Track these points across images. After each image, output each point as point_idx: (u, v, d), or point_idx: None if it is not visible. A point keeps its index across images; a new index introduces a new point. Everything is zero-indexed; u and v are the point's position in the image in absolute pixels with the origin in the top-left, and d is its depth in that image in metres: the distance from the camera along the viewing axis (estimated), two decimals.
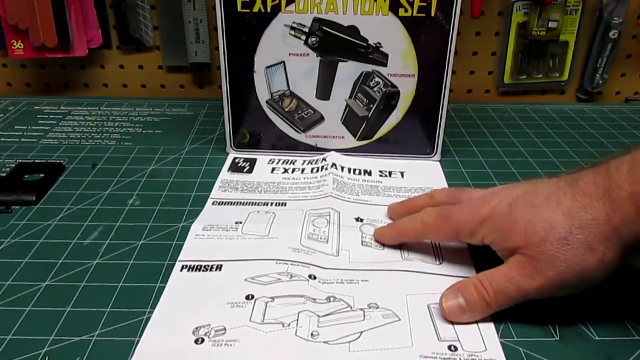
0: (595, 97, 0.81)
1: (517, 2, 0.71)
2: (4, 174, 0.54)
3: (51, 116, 0.69)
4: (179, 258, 0.42)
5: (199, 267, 0.41)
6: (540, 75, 0.77)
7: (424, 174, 0.56)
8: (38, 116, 0.69)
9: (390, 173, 0.56)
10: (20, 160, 0.57)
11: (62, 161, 0.57)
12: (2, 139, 0.62)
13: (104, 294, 0.38)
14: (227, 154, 0.59)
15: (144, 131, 0.65)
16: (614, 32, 0.73)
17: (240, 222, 0.46)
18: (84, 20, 0.71)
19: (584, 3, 0.72)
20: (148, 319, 0.36)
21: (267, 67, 0.55)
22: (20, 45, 0.70)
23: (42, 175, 0.53)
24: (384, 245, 0.44)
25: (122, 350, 0.33)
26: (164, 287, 0.39)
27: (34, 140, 0.62)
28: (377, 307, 0.37)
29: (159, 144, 0.62)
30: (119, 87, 0.79)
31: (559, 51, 0.75)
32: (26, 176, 0.53)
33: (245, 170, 0.56)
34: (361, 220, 0.47)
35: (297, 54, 0.54)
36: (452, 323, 0.35)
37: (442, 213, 0.40)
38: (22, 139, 0.63)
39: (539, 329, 0.36)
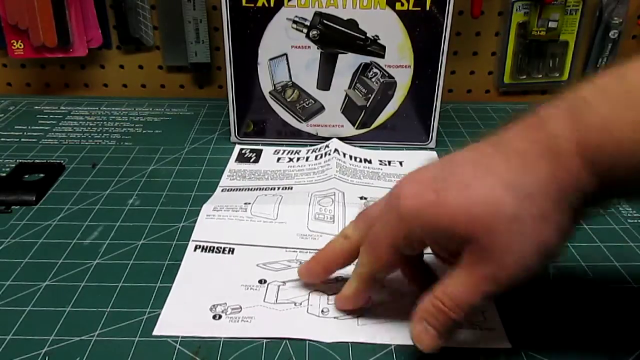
0: None
1: (517, 2, 0.71)
2: (4, 174, 0.54)
3: (51, 116, 0.69)
4: (192, 238, 0.44)
5: (211, 248, 0.43)
6: (540, 75, 0.77)
7: (421, 163, 0.57)
8: (38, 116, 0.69)
9: (389, 162, 0.58)
10: (20, 160, 0.57)
11: (62, 161, 0.57)
12: (2, 139, 0.62)
13: (104, 294, 0.38)
14: (231, 149, 0.61)
15: (144, 131, 0.65)
16: (614, 32, 0.73)
17: (249, 203, 0.48)
18: (84, 20, 0.71)
19: (584, 3, 0.72)
20: (148, 319, 0.36)
21: (271, 59, 0.57)
22: (20, 45, 0.70)
23: (42, 175, 0.53)
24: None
25: (122, 350, 0.33)
26: (164, 287, 0.39)
27: (34, 140, 0.62)
28: (383, 286, 0.38)
29: (159, 144, 0.62)
30: (119, 87, 0.79)
31: (559, 51, 0.75)
32: (26, 176, 0.53)
33: (251, 160, 0.58)
34: (365, 198, 0.50)
35: (299, 47, 0.56)
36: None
37: (368, 240, 0.33)
38: (22, 139, 0.63)
39: (539, 329, 0.36)
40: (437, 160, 0.32)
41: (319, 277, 0.38)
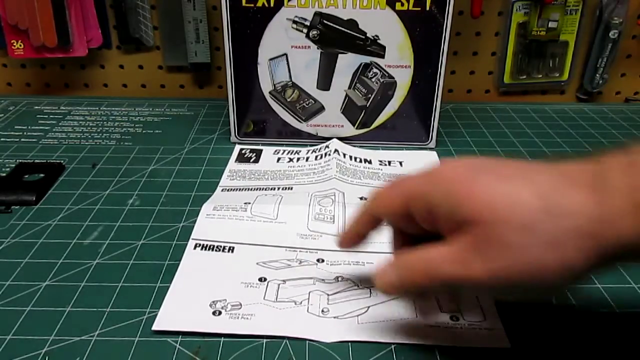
0: (595, 97, 0.81)
1: (517, 2, 0.71)
2: (4, 174, 0.54)
3: (51, 116, 0.69)
4: (192, 236, 0.44)
5: (211, 246, 0.43)
6: (540, 75, 0.77)
7: (421, 163, 0.57)
8: (38, 116, 0.69)
9: (389, 162, 0.58)
10: (20, 160, 0.57)
11: (62, 161, 0.57)
12: (2, 139, 0.62)
13: (104, 294, 0.38)
14: (231, 149, 0.61)
15: (144, 131, 0.65)
16: (614, 32, 0.73)
17: (249, 203, 0.48)
18: (84, 20, 0.71)
19: (584, 3, 0.72)
20: (148, 319, 0.36)
21: (271, 59, 0.57)
22: (20, 45, 0.70)
23: (42, 175, 0.53)
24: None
25: (122, 350, 0.33)
26: (164, 286, 0.39)
27: (34, 140, 0.62)
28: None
29: (159, 144, 0.62)
30: (119, 87, 0.79)
31: (559, 51, 0.75)
32: (26, 176, 0.53)
33: (251, 161, 0.58)
34: (365, 199, 0.49)
35: (299, 47, 0.56)
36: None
37: (392, 182, 0.33)
38: (22, 139, 0.63)
39: (539, 329, 0.36)
40: (484, 158, 0.31)
41: (352, 241, 0.36)
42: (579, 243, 0.25)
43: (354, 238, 0.36)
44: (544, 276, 0.25)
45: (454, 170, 0.29)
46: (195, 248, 0.43)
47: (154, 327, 0.35)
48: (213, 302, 0.37)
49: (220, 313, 0.36)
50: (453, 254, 0.28)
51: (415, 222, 0.31)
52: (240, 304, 0.37)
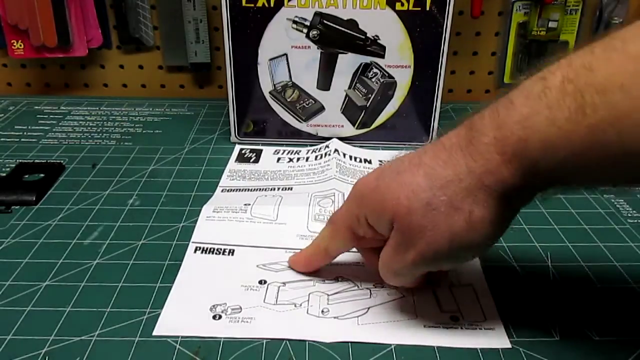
0: None
1: (517, 2, 0.71)
2: (4, 174, 0.54)
3: (51, 116, 0.69)
4: (192, 240, 0.44)
5: (211, 250, 0.43)
6: None
7: None
8: (38, 116, 0.69)
9: None
10: (20, 160, 0.57)
11: (62, 161, 0.57)
12: (2, 139, 0.62)
13: (104, 294, 0.38)
14: (231, 149, 0.61)
15: (144, 131, 0.65)
16: None
17: (249, 204, 0.48)
18: (84, 20, 0.71)
19: (584, 3, 0.72)
20: (148, 319, 0.36)
21: (271, 59, 0.57)
22: (20, 45, 0.70)
23: (42, 175, 0.53)
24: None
25: (122, 350, 0.33)
26: (164, 286, 0.39)
27: (34, 140, 0.62)
28: (383, 287, 0.39)
29: (159, 144, 0.62)
30: (119, 87, 0.79)
31: (559, 51, 0.75)
32: (26, 176, 0.53)
33: (251, 161, 0.58)
34: None
35: (299, 47, 0.56)
36: (453, 296, 0.38)
37: (329, 220, 0.38)
38: (22, 139, 0.63)
39: (539, 329, 0.36)
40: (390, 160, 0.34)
41: (304, 270, 0.41)
42: (472, 199, 0.28)
43: (308, 269, 0.40)
44: (462, 238, 0.29)
45: (365, 184, 0.33)
46: (195, 252, 0.43)
47: (155, 332, 0.35)
48: (213, 306, 0.37)
49: (220, 317, 0.36)
50: (391, 251, 0.32)
51: (363, 230, 0.34)
52: (241, 308, 0.37)
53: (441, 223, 0.29)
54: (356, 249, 0.39)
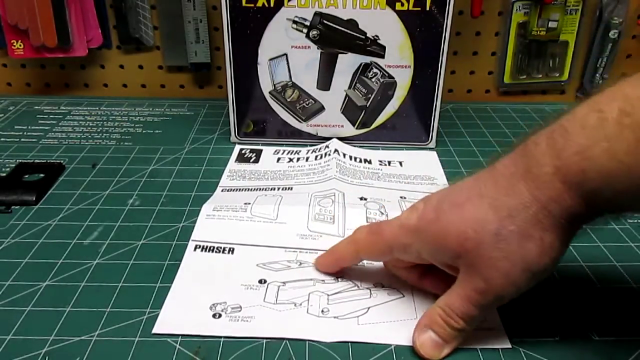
0: None
1: (517, 2, 0.71)
2: (4, 174, 0.54)
3: (51, 116, 0.69)
4: (192, 238, 0.44)
5: (211, 248, 0.43)
6: (540, 75, 0.77)
7: (421, 163, 0.58)
8: (38, 116, 0.69)
9: (389, 162, 0.58)
10: (20, 160, 0.57)
11: (62, 161, 0.57)
12: (2, 139, 0.62)
13: (104, 294, 0.38)
14: (231, 149, 0.61)
15: (144, 131, 0.65)
16: (614, 32, 0.73)
17: (249, 203, 0.48)
18: (84, 20, 0.71)
19: (584, 3, 0.72)
20: (148, 319, 0.36)
21: (271, 59, 0.57)
22: (20, 45, 0.70)
23: (42, 175, 0.53)
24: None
25: (122, 350, 0.33)
26: (164, 286, 0.39)
27: (34, 140, 0.62)
28: (383, 287, 0.39)
29: (159, 144, 0.62)
30: (119, 87, 0.79)
31: (559, 51, 0.75)
32: (26, 176, 0.53)
33: (251, 161, 0.58)
34: (365, 199, 0.49)
35: (299, 47, 0.57)
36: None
37: (372, 229, 0.37)
38: (22, 139, 0.63)
39: (539, 329, 0.36)
40: (447, 186, 0.35)
41: (330, 270, 0.40)
42: (540, 226, 0.29)
43: (334, 268, 0.40)
44: (536, 264, 0.29)
45: (423, 217, 0.33)
46: (195, 250, 0.43)
47: (154, 331, 0.35)
48: (213, 304, 0.37)
49: (220, 316, 0.36)
50: (462, 294, 0.32)
51: (406, 256, 0.35)
52: (240, 307, 0.37)
53: (513, 252, 0.29)
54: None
